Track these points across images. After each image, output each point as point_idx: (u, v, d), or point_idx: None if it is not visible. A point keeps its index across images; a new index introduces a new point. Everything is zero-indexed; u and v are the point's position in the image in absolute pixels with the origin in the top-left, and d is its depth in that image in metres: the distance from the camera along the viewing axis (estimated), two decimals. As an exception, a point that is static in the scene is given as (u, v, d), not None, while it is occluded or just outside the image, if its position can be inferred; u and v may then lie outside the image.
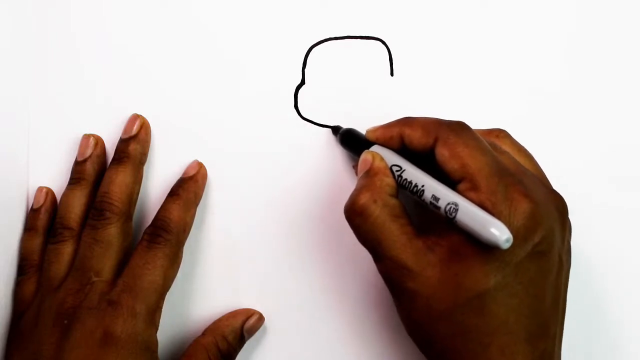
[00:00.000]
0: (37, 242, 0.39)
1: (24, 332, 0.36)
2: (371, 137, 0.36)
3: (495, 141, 0.35)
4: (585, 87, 0.41)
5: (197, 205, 0.39)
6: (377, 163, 0.34)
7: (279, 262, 0.40)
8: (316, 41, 0.41)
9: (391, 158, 0.35)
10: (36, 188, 0.40)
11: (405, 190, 0.34)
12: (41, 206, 0.39)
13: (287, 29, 0.41)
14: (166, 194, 0.39)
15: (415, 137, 0.34)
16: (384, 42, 0.41)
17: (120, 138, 0.39)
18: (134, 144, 0.39)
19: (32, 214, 0.39)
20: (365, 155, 0.35)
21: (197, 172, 0.39)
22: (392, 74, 0.41)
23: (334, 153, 0.40)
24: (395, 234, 0.33)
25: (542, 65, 0.41)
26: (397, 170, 0.34)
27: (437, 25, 0.41)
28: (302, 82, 0.41)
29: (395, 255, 0.32)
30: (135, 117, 0.40)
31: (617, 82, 0.41)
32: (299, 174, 0.40)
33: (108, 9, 0.41)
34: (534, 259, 0.32)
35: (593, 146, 0.40)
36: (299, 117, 0.40)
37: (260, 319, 0.39)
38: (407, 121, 0.35)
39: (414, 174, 0.33)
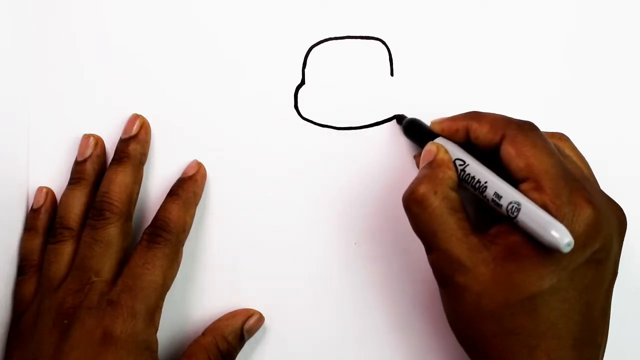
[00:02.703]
0: (37, 242, 0.39)
1: (24, 332, 0.36)
2: (436, 128, 0.36)
3: (558, 144, 0.35)
4: (586, 88, 0.41)
5: (196, 205, 0.39)
6: (441, 155, 0.34)
7: (279, 262, 0.40)
8: (316, 41, 0.41)
9: (455, 152, 0.35)
10: (36, 188, 0.40)
11: (466, 185, 0.34)
12: (41, 206, 0.39)
13: (287, 29, 0.41)
14: (166, 194, 0.39)
15: (482, 133, 0.34)
16: (384, 42, 0.41)
17: (120, 138, 0.39)
18: (134, 144, 0.39)
19: (32, 214, 0.39)
20: (430, 147, 0.35)
21: (197, 172, 0.39)
22: (392, 74, 0.41)
23: (333, 153, 0.40)
24: (452, 227, 0.32)
25: (542, 66, 0.41)
26: (460, 165, 0.34)
27: (437, 25, 0.41)
28: (302, 82, 0.41)
29: (449, 248, 0.32)
30: (135, 117, 0.40)
31: (617, 82, 0.41)
32: (299, 174, 0.40)
33: (108, 9, 0.41)
34: (591, 266, 0.31)
35: (593, 146, 0.40)
36: (299, 117, 0.40)
37: (260, 319, 0.39)
38: (475, 115, 0.35)
39: (478, 170, 0.33)
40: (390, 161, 0.40)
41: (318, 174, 0.40)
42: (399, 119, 0.40)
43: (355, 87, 0.41)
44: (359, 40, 0.41)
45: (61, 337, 0.34)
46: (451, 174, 0.34)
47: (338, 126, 0.40)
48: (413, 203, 0.33)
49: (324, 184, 0.40)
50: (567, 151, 0.35)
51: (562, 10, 0.41)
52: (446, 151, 0.35)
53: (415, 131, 0.38)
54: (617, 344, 0.39)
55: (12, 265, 0.39)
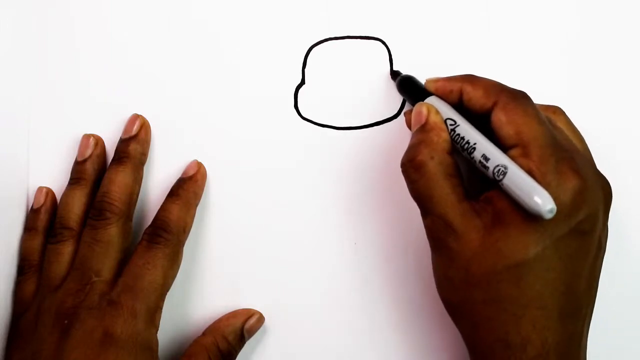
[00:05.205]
0: (37, 242, 0.39)
1: (24, 332, 0.36)
2: (430, 87, 0.36)
3: (552, 116, 0.35)
4: (586, 88, 0.41)
5: (197, 205, 0.39)
6: (433, 117, 0.34)
7: (279, 262, 0.40)
8: (316, 41, 0.41)
9: (446, 111, 0.34)
10: (36, 188, 0.40)
11: (455, 145, 0.34)
12: (41, 206, 0.39)
13: (287, 29, 0.41)
14: (166, 194, 0.39)
15: (475, 97, 0.34)
16: (384, 42, 0.41)
17: (120, 138, 0.39)
18: (134, 144, 0.39)
19: (32, 214, 0.39)
20: (420, 108, 0.35)
21: (197, 172, 0.39)
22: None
23: (334, 153, 0.40)
24: (447, 192, 0.33)
25: (543, 66, 0.41)
26: (451, 124, 0.34)
27: (437, 25, 0.41)
28: (302, 82, 0.41)
29: (443, 213, 0.33)
30: (135, 117, 0.40)
31: (617, 83, 0.41)
32: (299, 174, 0.40)
33: (108, 9, 0.41)
34: (576, 236, 0.32)
35: (592, 146, 0.40)
36: (299, 117, 0.41)
37: (261, 319, 0.39)
38: (470, 79, 0.35)
39: (468, 131, 0.33)
40: (389, 161, 0.40)
41: (318, 174, 0.40)
42: (394, 74, 0.40)
43: (355, 87, 0.41)
44: (359, 40, 0.41)
45: (61, 337, 0.34)
46: (445, 136, 0.34)
47: (338, 126, 0.40)
48: (411, 169, 0.34)
49: (323, 184, 0.40)
50: (561, 124, 0.35)
51: (563, 12, 0.41)
52: (437, 112, 0.35)
53: (409, 88, 0.38)
54: (617, 342, 0.39)
55: (12, 265, 0.39)
